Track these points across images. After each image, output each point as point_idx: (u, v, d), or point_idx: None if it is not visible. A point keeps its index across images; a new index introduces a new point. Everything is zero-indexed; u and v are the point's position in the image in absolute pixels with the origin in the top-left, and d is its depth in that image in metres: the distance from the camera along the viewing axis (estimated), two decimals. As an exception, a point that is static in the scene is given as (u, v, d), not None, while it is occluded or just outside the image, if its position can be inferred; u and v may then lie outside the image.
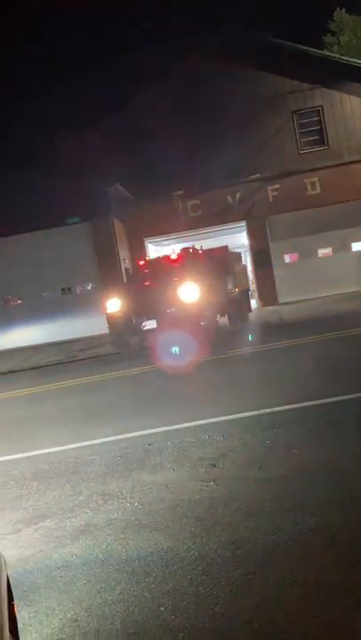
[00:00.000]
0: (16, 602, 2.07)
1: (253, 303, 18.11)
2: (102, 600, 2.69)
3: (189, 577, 2.75)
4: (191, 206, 19.69)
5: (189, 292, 10.93)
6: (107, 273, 17.47)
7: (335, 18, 30.20)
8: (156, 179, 18.38)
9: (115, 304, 11.66)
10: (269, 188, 19.53)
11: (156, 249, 20.66)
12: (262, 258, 19.85)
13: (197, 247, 13.53)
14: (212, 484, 3.86)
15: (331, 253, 19.89)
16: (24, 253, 17.64)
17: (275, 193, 19.52)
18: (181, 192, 19.13)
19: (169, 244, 19.77)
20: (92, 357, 12.81)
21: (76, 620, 2.57)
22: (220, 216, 19.45)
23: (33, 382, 10.35)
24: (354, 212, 18.92)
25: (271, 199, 19.55)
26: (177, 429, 5.33)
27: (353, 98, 19.63)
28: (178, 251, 13.44)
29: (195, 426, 5.36)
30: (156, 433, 5.33)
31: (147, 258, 14.64)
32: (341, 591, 2.44)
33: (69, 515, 3.77)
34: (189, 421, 5.52)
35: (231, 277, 13.34)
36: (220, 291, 12.46)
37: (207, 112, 18.89)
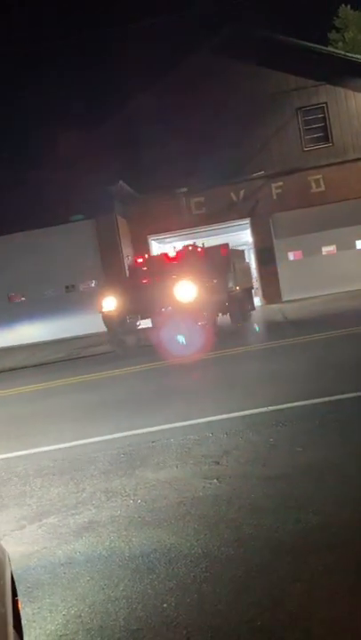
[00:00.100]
0: (20, 598, 2.08)
1: (257, 301, 18.08)
2: (106, 597, 2.70)
3: (193, 574, 2.75)
4: (195, 204, 19.67)
5: (186, 291, 10.83)
6: (110, 270, 17.48)
7: (340, 14, 30.12)
8: (159, 176, 18.38)
9: (110, 302, 11.55)
10: (273, 185, 19.49)
11: (159, 246, 20.67)
12: (266, 255, 19.83)
13: (199, 245, 13.44)
14: (215, 481, 3.86)
15: (335, 251, 19.86)
16: (28, 251, 17.67)
17: (279, 190, 19.49)
18: (185, 189, 19.11)
19: (172, 242, 19.75)
20: (95, 355, 12.83)
21: (80, 616, 2.58)
22: (223, 213, 19.43)
23: (36, 379, 10.37)
24: (358, 210, 18.87)
25: (275, 197, 19.51)
26: (180, 427, 5.33)
27: (358, 95, 19.57)
28: (178, 248, 13.37)
29: (198, 423, 5.36)
30: (160, 430, 5.34)
31: (145, 255, 14.48)
32: (344, 590, 2.44)
33: (73, 511, 3.78)
34: (192, 419, 5.52)
35: (232, 275, 13.26)
36: (220, 289, 12.37)
37: (211, 109, 18.85)
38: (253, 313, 15.76)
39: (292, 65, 19.16)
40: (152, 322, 11.09)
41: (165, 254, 13.23)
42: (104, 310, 11.59)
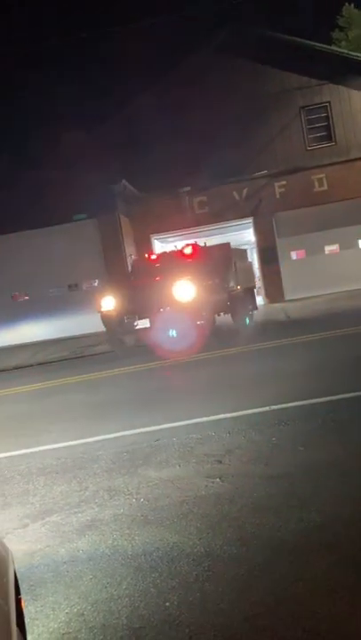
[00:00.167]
0: (23, 596, 2.09)
1: (260, 300, 18.05)
2: (108, 595, 2.71)
3: (195, 573, 2.76)
4: (198, 203, 19.66)
5: (184, 291, 10.76)
6: (113, 269, 17.49)
7: (344, 13, 30.06)
8: (162, 175, 18.37)
9: (108, 302, 11.48)
10: (276, 184, 19.46)
11: (162, 245, 20.66)
12: (269, 254, 19.80)
13: (200, 244, 13.37)
14: (217, 480, 3.86)
15: (338, 250, 19.83)
16: (31, 250, 17.69)
17: (282, 189, 19.46)
18: (188, 188, 19.09)
19: (175, 241, 19.74)
20: (97, 354, 12.85)
21: (83, 614, 2.59)
22: (226, 213, 19.41)
23: (39, 378, 10.39)
24: (361, 209, 18.84)
25: (278, 196, 19.49)
26: (183, 426, 5.34)
27: (361, 94, 19.53)
28: (180, 247, 13.32)
29: (200, 422, 5.36)
30: (162, 429, 5.34)
31: (145, 255, 14.41)
32: (346, 589, 2.44)
33: (76, 510, 3.79)
34: (195, 418, 5.52)
35: (234, 275, 13.20)
36: (220, 288, 12.30)
37: (214, 108, 18.84)
38: (256, 312, 15.72)
39: (294, 64, 19.13)
40: (150, 322, 11.04)
41: (165, 253, 13.17)
42: (102, 310, 11.55)
